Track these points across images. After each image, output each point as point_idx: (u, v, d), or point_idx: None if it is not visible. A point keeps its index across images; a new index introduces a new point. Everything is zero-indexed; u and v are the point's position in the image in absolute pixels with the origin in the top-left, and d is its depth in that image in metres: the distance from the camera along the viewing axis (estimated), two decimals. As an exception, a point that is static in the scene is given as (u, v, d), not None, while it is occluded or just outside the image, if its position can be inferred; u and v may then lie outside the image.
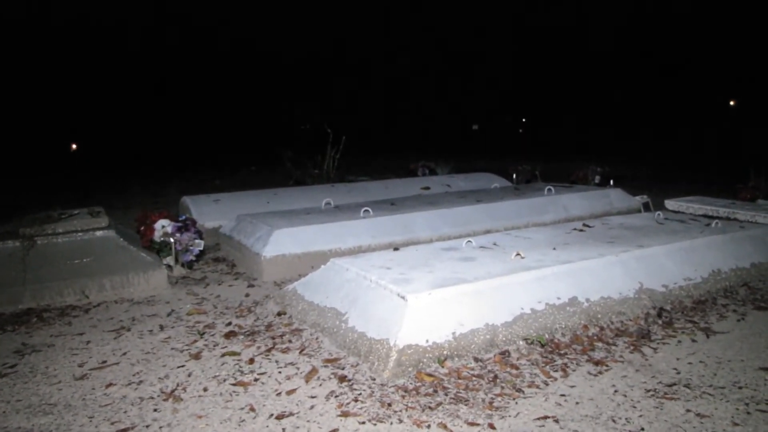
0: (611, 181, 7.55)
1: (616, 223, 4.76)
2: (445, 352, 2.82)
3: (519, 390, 2.59)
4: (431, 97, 32.81)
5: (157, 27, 26.97)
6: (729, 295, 3.80)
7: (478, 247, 3.97)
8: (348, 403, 2.50)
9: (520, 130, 32.48)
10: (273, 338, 3.28)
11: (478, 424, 2.31)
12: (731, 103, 30.96)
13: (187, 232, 4.62)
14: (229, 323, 3.57)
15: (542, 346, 3.00)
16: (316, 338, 3.21)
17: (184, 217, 4.77)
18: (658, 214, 4.97)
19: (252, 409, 2.47)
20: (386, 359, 2.73)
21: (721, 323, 3.37)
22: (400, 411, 2.41)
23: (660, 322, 3.35)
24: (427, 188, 7.48)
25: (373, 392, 2.58)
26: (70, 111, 25.05)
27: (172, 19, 27.32)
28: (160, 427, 2.36)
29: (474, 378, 2.69)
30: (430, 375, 2.69)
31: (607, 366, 2.83)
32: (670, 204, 5.64)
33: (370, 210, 5.32)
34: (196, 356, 3.06)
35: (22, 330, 3.53)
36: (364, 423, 2.34)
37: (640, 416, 2.35)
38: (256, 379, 2.77)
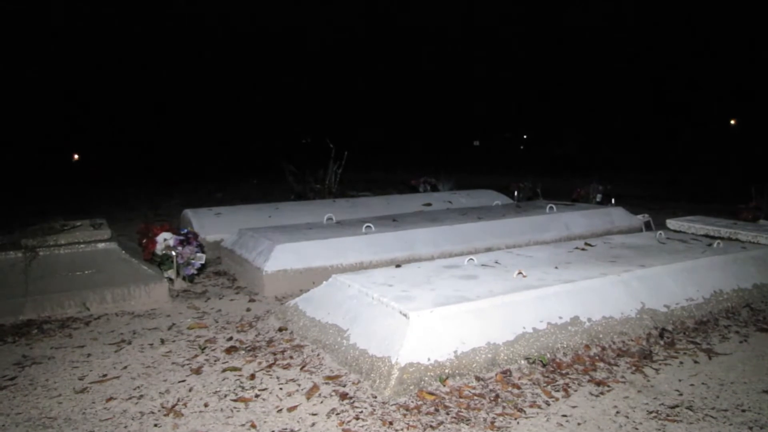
0: (613, 200, 7.57)
1: (618, 242, 4.76)
2: (446, 371, 2.81)
3: (520, 410, 2.58)
4: (434, 112, 32.96)
5: (162, 38, 27.15)
6: (731, 316, 3.79)
7: (479, 264, 3.97)
8: (349, 421, 2.48)
9: (521, 147, 32.59)
10: (274, 354, 3.27)
11: (479, 444, 2.30)
12: (732, 122, 31.08)
13: (188, 246, 4.62)
14: (230, 338, 3.56)
15: (544, 365, 2.99)
16: (318, 355, 3.21)
17: (185, 231, 4.77)
18: (660, 234, 4.97)
19: (253, 426, 2.46)
20: (388, 377, 2.72)
21: (724, 344, 3.36)
22: (402, 430, 2.40)
23: (662, 342, 3.34)
24: (429, 204, 7.49)
25: (374, 410, 2.57)
26: (73, 122, 25.14)
27: (176, 29, 27.51)
28: (161, 443, 2.35)
29: (475, 397, 2.68)
30: (431, 393, 2.68)
31: (608, 386, 2.82)
32: (672, 223, 5.65)
33: (371, 226, 5.33)
34: (197, 371, 3.05)
35: (23, 342, 3.52)
36: (365, 441, 2.33)
37: (643, 438, 2.34)
38: (257, 395, 2.76)
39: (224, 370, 3.06)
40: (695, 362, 3.11)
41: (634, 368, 3.02)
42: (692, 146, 23.50)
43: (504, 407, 2.60)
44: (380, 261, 4.92)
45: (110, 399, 2.74)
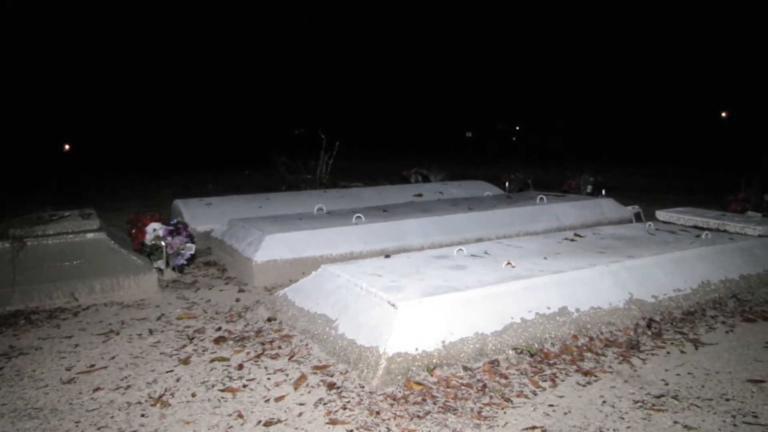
0: (603, 191, 7.58)
1: (608, 233, 4.78)
2: (434, 361, 2.82)
3: (507, 399, 2.59)
4: (426, 103, 32.90)
5: (153, 29, 26.93)
6: (718, 307, 3.82)
7: (469, 255, 3.97)
8: (336, 411, 2.49)
9: (514, 138, 32.60)
10: (262, 344, 3.27)
11: (466, 434, 2.31)
12: (723, 114, 31.18)
13: (178, 236, 4.60)
14: (219, 328, 3.56)
15: (531, 355, 3.00)
16: (306, 345, 3.21)
17: (175, 221, 4.75)
18: (649, 225, 5.00)
19: (240, 416, 2.46)
20: (375, 367, 2.73)
21: (710, 335, 3.38)
22: (389, 419, 2.40)
23: (649, 332, 3.36)
24: (420, 195, 7.49)
25: (361, 400, 2.57)
26: (64, 111, 24.94)
27: (167, 20, 27.30)
28: (147, 433, 2.35)
29: (463, 387, 2.69)
30: (419, 383, 2.69)
31: (595, 376, 2.83)
32: (661, 215, 5.67)
33: (362, 216, 5.32)
34: (185, 361, 3.05)
35: (10, 332, 3.50)
36: (352, 431, 2.33)
37: (628, 428, 2.36)
38: (244, 386, 2.76)
39: (212, 360, 3.06)
40: (682, 352, 3.13)
41: (621, 358, 3.04)
42: (684, 137, 23.57)
43: (491, 397, 2.61)
44: (370, 251, 4.92)
45: (97, 389, 2.73)
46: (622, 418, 2.43)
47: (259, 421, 2.42)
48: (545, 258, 3.89)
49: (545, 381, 2.78)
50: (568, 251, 4.11)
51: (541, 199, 6.50)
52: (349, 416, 2.44)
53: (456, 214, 5.73)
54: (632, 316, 3.48)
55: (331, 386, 2.72)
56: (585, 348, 3.14)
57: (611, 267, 3.73)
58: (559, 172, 10.88)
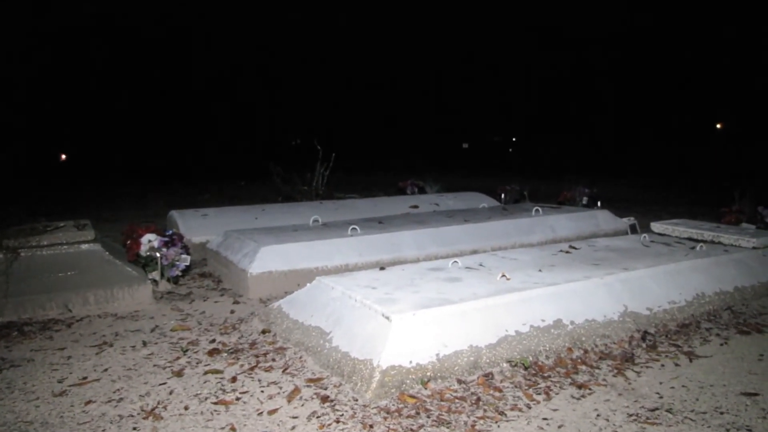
0: (599, 203, 7.60)
1: (603, 245, 4.79)
2: (428, 374, 2.81)
3: (502, 413, 2.58)
4: (423, 114, 33.02)
5: (151, 37, 27.02)
6: (712, 319, 3.82)
7: (464, 267, 3.97)
8: (329, 424, 2.48)
9: (510, 150, 32.71)
10: (256, 356, 3.25)
11: (459, 447, 2.30)
12: (718, 126, 31.35)
13: (173, 247, 4.60)
14: (213, 340, 3.54)
15: (526, 368, 3.00)
16: (300, 357, 3.20)
17: (171, 232, 4.75)
18: (644, 237, 5.01)
19: (233, 429, 2.45)
20: (369, 380, 2.72)
21: (705, 347, 3.38)
22: (382, 433, 2.39)
23: (644, 345, 3.36)
24: (416, 207, 7.49)
25: (355, 413, 2.56)
26: (60, 121, 24.94)
27: (165, 29, 27.38)
28: (139, 447, 2.33)
29: (457, 400, 2.68)
30: (412, 396, 2.68)
31: (590, 389, 2.83)
32: (656, 226, 5.68)
33: (357, 228, 5.32)
34: (179, 373, 3.03)
35: (2, 344, 3.47)
36: (345, 445, 2.32)
37: (622, 441, 2.35)
38: (238, 398, 2.74)
39: (206, 373, 3.04)
40: (676, 365, 3.13)
41: (615, 371, 3.03)
42: (678, 150, 23.67)
43: (485, 410, 2.60)
44: (365, 263, 4.91)
45: (89, 402, 2.71)
46: (617, 432, 2.42)
47: (252, 435, 2.41)
48: (540, 270, 3.89)
49: (539, 394, 2.77)
50: (563, 263, 4.11)
51: (537, 210, 6.51)
52: (343, 429, 2.43)
53: (451, 226, 5.73)
54: (627, 329, 3.48)
55: (324, 399, 2.70)
56: (579, 361, 3.13)
57: (606, 279, 3.73)
58: (555, 184, 10.91)
